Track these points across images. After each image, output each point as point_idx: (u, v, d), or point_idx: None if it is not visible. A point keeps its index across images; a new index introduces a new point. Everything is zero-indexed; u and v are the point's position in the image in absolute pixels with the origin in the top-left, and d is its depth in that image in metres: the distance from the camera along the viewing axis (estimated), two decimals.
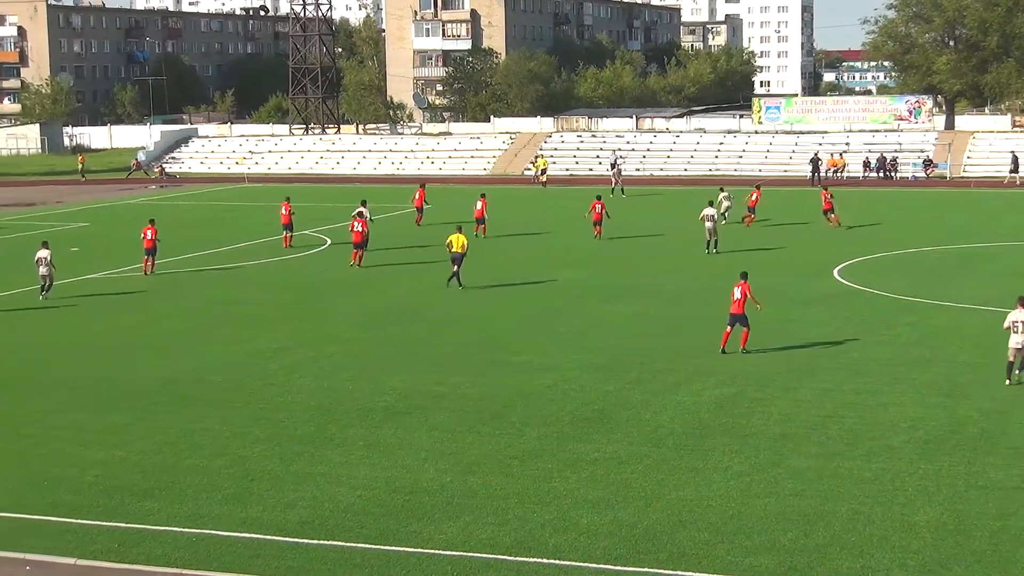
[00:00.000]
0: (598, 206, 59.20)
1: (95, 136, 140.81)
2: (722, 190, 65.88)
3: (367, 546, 21.26)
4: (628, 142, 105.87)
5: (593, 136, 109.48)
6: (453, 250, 46.21)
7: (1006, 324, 31.01)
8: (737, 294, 34.78)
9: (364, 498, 23.56)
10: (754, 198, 64.25)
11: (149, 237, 50.90)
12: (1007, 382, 30.91)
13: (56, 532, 22.12)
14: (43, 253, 45.71)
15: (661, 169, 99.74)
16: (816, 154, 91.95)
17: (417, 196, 66.09)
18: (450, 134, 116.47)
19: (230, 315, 42.83)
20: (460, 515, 22.59)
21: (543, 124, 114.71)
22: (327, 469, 25.34)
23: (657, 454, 25.95)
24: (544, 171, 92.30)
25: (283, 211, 59.24)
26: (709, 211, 55.31)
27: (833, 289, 45.73)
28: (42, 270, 45.73)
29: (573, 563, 20.45)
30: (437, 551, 20.98)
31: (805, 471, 24.67)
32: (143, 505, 23.38)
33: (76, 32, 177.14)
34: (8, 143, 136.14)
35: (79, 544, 21.55)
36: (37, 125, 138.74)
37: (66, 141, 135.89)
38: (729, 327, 35.08)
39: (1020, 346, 30.64)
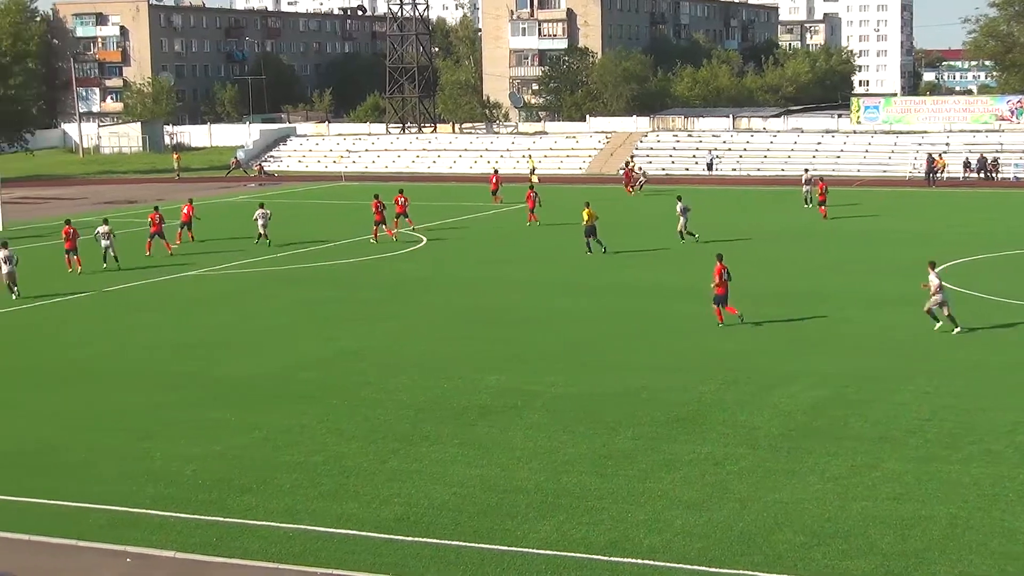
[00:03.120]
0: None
1: (195, 135, 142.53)
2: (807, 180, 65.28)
3: (461, 544, 21.33)
4: (724, 142, 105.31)
5: (689, 136, 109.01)
6: (585, 223, 53.55)
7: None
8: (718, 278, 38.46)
9: (459, 496, 23.65)
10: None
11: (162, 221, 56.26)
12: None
13: (156, 525, 22.42)
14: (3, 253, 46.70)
15: (758, 169, 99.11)
16: (931, 155, 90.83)
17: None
18: (545, 133, 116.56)
19: (325, 312, 43.15)
20: (554, 514, 22.60)
21: (639, 124, 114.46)
22: (422, 466, 25.46)
23: (753, 456, 25.79)
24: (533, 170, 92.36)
25: (397, 202, 62.88)
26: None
27: None
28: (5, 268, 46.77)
29: (667, 564, 20.37)
30: (531, 550, 21.00)
31: (903, 475, 24.39)
32: (241, 500, 23.63)
33: (177, 32, 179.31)
34: (110, 141, 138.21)
35: (178, 537, 21.83)
36: (138, 124, 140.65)
37: (166, 140, 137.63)
38: (717, 307, 38.66)
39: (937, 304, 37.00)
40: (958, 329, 36.81)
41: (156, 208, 60.00)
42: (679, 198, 60.19)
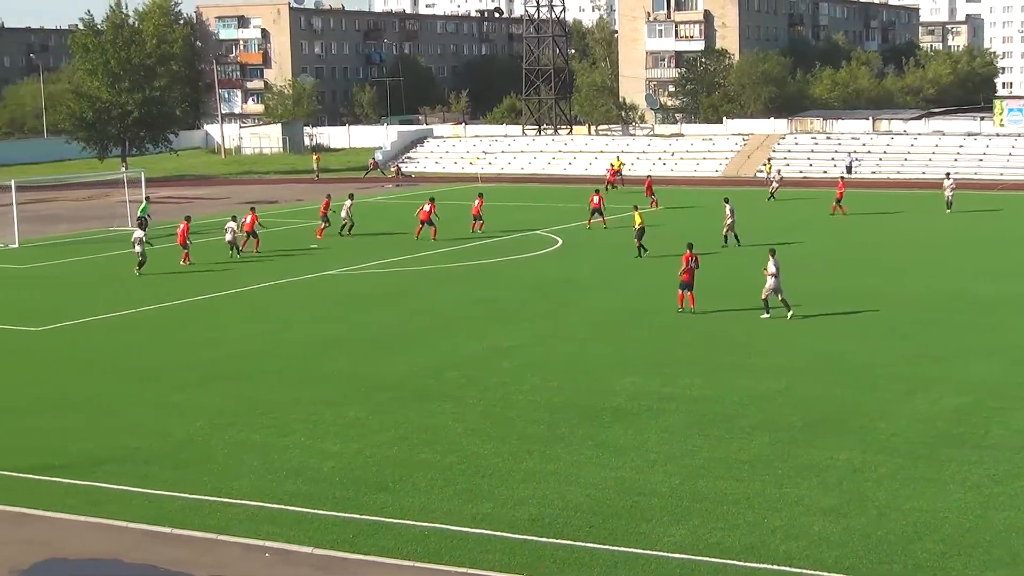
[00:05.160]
0: (596, 198, 65.23)
1: (334, 136, 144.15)
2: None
3: (595, 546, 21.35)
4: (864, 144, 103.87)
5: (828, 138, 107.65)
6: (636, 227, 54.14)
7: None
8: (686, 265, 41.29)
9: (593, 498, 23.65)
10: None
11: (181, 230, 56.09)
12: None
13: (293, 521, 22.74)
14: None
15: (898, 172, 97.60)
16: None
17: (476, 204, 65.70)
18: (682, 135, 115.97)
19: (466, 312, 43.44)
20: (688, 518, 22.51)
21: (776, 126, 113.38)
22: (557, 468, 25.50)
23: (892, 463, 25.43)
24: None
25: (475, 204, 65.21)
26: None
27: None
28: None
29: (804, 570, 20.20)
30: (665, 553, 20.95)
31: None
32: (377, 498, 23.87)
33: (317, 34, 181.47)
34: (252, 142, 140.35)
35: (315, 533, 22.12)
36: (279, 125, 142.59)
37: (306, 141, 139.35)
38: (681, 292, 41.55)
39: (770, 289, 40.00)
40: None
41: (253, 208, 61.94)
42: (726, 200, 59.34)
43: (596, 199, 65.42)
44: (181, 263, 54.74)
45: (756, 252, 53.59)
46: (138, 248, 52.94)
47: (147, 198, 67.95)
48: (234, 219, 58.03)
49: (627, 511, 22.95)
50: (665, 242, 55.12)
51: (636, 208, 56.28)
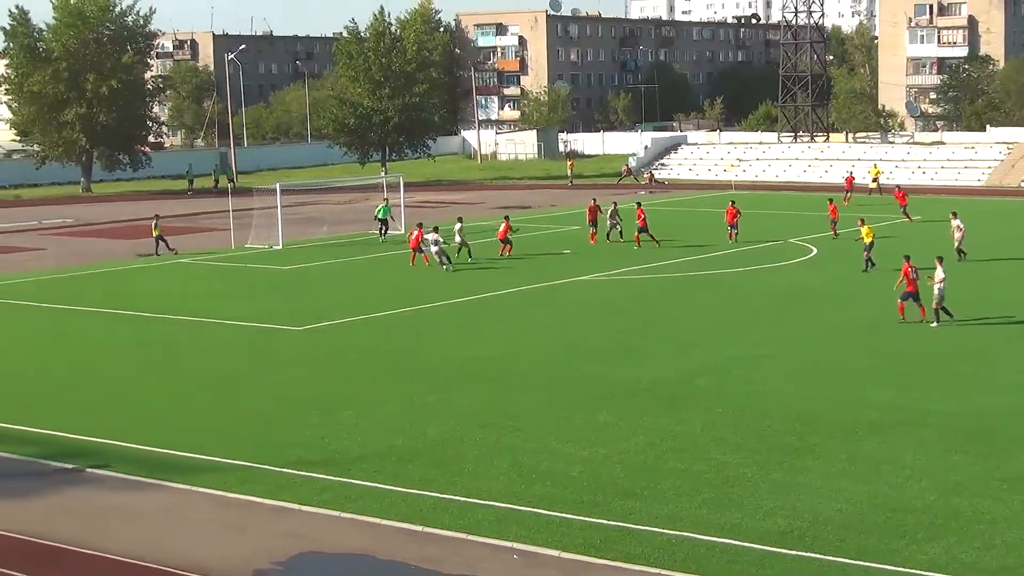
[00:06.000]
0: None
1: (588, 142, 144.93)
2: None
3: (846, 560, 20.99)
4: None
5: None
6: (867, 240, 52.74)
7: None
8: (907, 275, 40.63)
9: (844, 512, 23.26)
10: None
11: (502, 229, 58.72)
12: None
13: (541, 524, 22.95)
14: None
15: None
16: None
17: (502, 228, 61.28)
18: (943, 143, 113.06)
19: (719, 319, 43.22)
20: (943, 536, 21.97)
21: None
22: (807, 480, 25.17)
23: None
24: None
25: (728, 211, 63.72)
26: None
27: None
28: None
29: None
30: (917, 571, 20.49)
31: None
32: (625, 503, 23.92)
33: (573, 41, 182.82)
34: (507, 148, 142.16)
35: (563, 538, 22.28)
36: (534, 131, 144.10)
37: (560, 147, 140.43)
38: (902, 302, 40.93)
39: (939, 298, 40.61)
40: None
41: (507, 217, 61.92)
42: (954, 213, 56.56)
43: (832, 208, 64.73)
44: (411, 263, 56.46)
45: (1002, 266, 52.09)
46: (434, 249, 54.89)
47: (386, 200, 69.42)
48: (436, 230, 56.52)
49: (880, 527, 22.51)
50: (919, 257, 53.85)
51: (862, 222, 54.45)
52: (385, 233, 66.37)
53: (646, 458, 26.88)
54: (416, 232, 57.21)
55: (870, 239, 52.71)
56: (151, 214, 66.79)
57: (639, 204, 64.29)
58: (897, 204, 72.53)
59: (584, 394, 32.74)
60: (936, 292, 40.49)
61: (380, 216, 66.66)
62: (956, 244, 54.92)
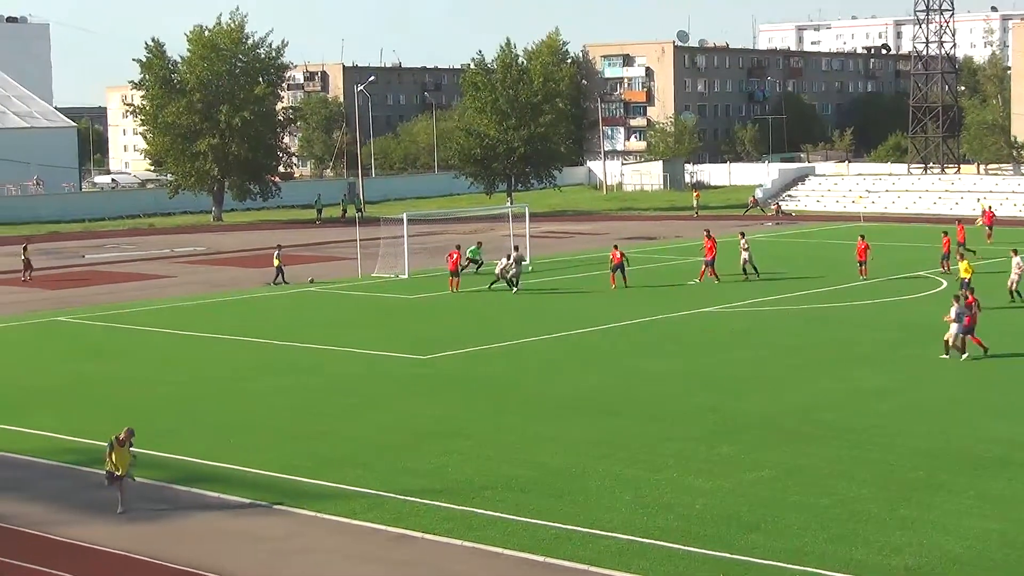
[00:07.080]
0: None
1: (714, 173, 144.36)
2: None
3: None
4: None
5: None
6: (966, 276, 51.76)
7: None
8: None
9: (973, 550, 22.83)
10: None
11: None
12: None
13: (664, 556, 22.83)
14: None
15: None
16: None
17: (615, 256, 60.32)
18: None
19: (845, 352, 42.72)
20: None
21: None
22: (935, 516, 24.74)
23: None
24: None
25: (859, 246, 61.77)
26: None
27: None
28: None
29: None
30: None
31: None
32: (748, 537, 23.70)
33: (700, 72, 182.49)
34: (632, 179, 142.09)
35: (685, 570, 22.15)
36: (660, 162, 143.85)
37: (686, 178, 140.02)
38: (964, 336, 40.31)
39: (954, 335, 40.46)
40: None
41: (458, 246, 62.99)
42: (1015, 251, 54.45)
43: (945, 240, 63.71)
44: (450, 289, 58.94)
45: None
46: (508, 270, 58.04)
47: (479, 243, 68.71)
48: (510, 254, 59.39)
49: (1009, 565, 22.06)
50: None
51: (961, 256, 54.58)
52: (476, 270, 65.67)
53: (770, 492, 26.62)
54: (455, 254, 58.38)
55: (968, 275, 51.71)
56: (276, 244, 67.61)
57: (708, 232, 62.64)
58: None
59: (701, 426, 32.52)
60: (953, 329, 40.48)
61: (470, 256, 66.01)
62: (1011, 284, 52.64)
